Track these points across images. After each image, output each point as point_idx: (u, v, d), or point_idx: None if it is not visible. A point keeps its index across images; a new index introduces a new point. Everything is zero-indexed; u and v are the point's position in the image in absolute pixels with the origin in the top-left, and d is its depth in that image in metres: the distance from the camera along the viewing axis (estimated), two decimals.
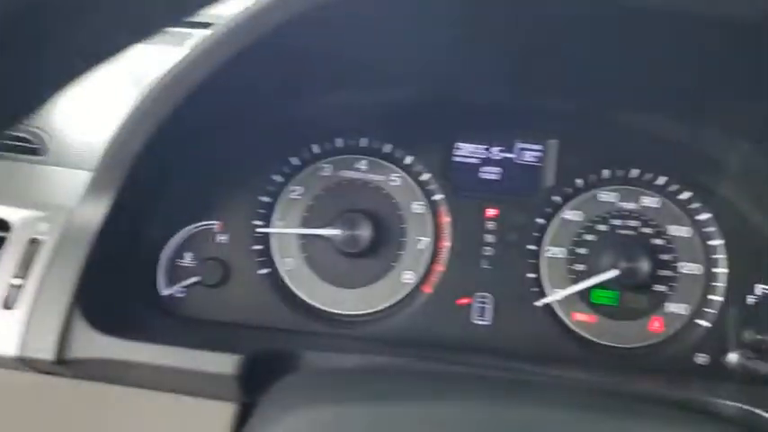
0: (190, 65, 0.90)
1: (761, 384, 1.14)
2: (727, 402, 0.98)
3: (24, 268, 0.98)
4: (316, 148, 1.23)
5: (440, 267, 1.23)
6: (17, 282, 0.97)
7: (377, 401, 0.79)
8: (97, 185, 0.99)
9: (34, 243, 1.00)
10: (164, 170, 1.09)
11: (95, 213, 0.99)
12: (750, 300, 1.21)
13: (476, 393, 0.86)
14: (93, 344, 0.94)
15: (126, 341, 0.95)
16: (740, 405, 0.97)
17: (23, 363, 0.96)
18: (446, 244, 1.23)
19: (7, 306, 0.96)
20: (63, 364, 0.95)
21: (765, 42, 0.85)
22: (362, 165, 1.24)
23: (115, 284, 1.08)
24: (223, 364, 0.95)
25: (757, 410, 0.95)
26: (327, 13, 0.87)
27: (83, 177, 1.01)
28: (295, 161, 1.23)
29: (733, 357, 1.18)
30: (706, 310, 1.22)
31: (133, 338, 0.96)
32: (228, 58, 0.89)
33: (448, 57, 1.08)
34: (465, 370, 1.05)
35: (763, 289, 1.21)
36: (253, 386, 0.97)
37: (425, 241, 1.23)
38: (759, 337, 1.18)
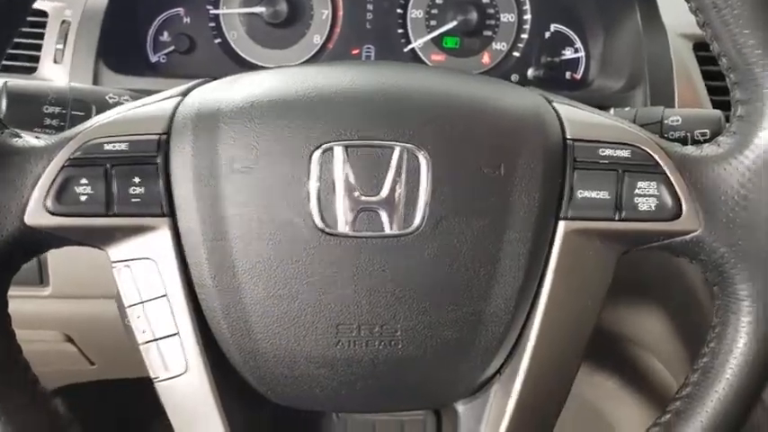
0: None
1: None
2: None
3: (62, 40, 1.55)
4: None
5: (338, 29, 1.80)
6: (59, 46, 1.54)
7: None
8: None
9: (64, 23, 1.56)
10: None
11: (102, 2, 1.55)
12: (546, 35, 1.80)
13: None
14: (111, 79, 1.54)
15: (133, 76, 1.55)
16: None
17: None
18: (341, 13, 1.79)
19: (56, 61, 1.54)
20: None
21: None
22: None
23: (120, 50, 1.65)
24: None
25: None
26: None
27: None
28: None
29: (531, 72, 1.79)
30: (518, 45, 1.81)
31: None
32: None
33: None
34: None
35: (555, 27, 1.80)
36: None
37: (327, 12, 1.79)
38: (549, 59, 1.78)
